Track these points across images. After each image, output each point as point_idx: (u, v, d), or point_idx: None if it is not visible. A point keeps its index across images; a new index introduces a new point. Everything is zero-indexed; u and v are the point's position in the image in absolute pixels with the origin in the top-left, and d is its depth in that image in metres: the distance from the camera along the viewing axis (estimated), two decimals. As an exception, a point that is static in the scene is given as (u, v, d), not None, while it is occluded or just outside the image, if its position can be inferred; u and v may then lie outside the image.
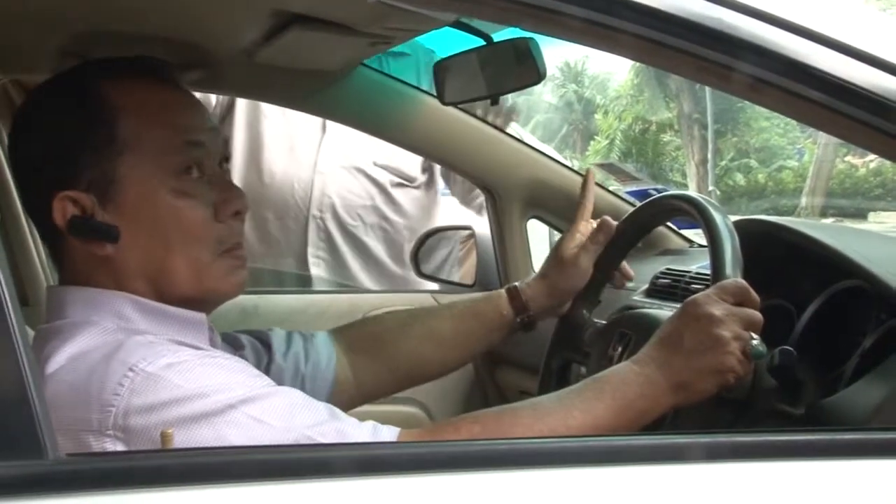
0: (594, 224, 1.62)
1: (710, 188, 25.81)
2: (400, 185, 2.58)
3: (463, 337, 1.63)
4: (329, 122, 2.54)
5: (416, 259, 2.44)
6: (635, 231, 1.63)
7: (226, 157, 1.35)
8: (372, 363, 1.56)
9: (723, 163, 28.10)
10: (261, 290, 2.41)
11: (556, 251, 1.65)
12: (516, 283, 1.65)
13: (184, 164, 1.25)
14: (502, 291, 1.65)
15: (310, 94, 2.12)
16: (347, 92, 2.08)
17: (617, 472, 1.01)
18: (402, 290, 2.49)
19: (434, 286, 2.51)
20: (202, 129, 1.29)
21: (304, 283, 2.58)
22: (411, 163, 2.57)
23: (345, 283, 2.55)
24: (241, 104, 2.56)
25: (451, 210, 2.72)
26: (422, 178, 2.61)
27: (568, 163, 2.31)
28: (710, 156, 26.91)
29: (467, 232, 2.42)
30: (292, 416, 1.13)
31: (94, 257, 1.22)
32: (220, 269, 1.28)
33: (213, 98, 2.51)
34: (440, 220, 2.64)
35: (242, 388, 1.13)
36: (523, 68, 1.73)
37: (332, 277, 2.55)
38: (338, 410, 1.20)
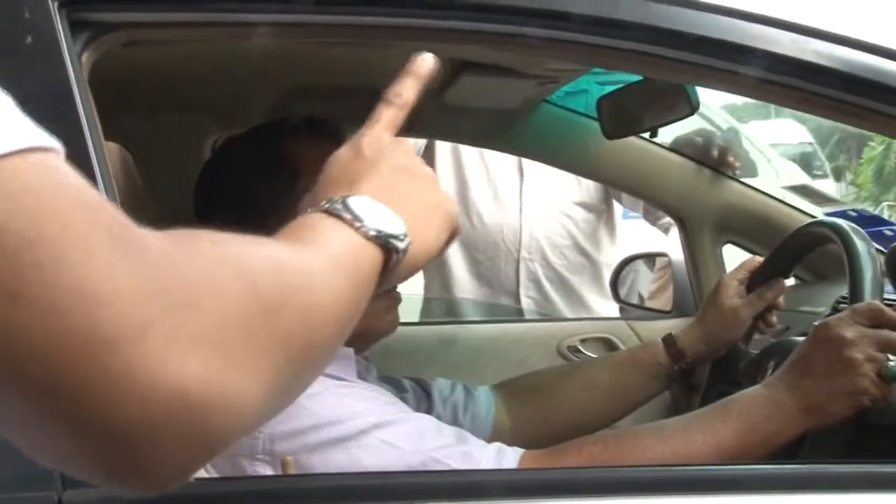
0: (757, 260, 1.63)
1: None
2: (593, 219, 2.66)
3: (622, 386, 1.63)
4: (526, 166, 2.64)
5: (616, 286, 2.49)
6: (784, 262, 1.62)
7: None
8: (529, 413, 1.58)
9: None
10: (457, 321, 2.51)
11: (714, 299, 1.64)
12: (672, 332, 1.65)
13: None
14: (658, 340, 1.65)
15: (498, 133, 2.20)
16: (534, 129, 2.15)
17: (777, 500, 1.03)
18: (595, 317, 2.52)
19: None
20: None
21: (515, 315, 2.68)
22: (598, 195, 2.63)
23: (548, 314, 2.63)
24: (442, 153, 2.70)
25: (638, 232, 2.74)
26: (603, 207, 2.68)
27: (761, 187, 2.27)
28: None
29: (665, 260, 2.43)
30: (421, 439, 1.19)
31: None
32: (378, 309, 1.35)
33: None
34: (626, 243, 2.69)
35: (375, 414, 1.20)
36: (677, 101, 1.77)
37: (540, 310, 2.64)
38: (467, 434, 1.24)
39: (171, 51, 1.60)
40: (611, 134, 1.96)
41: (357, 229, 0.69)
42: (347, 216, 0.69)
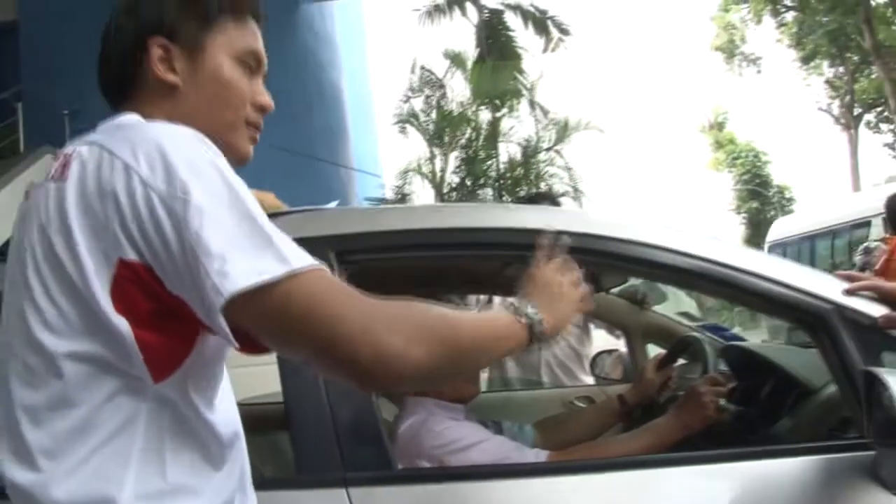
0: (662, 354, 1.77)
1: None
2: (579, 332, 2.82)
3: (596, 422, 1.70)
4: None
5: (592, 367, 2.60)
6: (675, 355, 1.76)
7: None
8: (551, 438, 1.58)
9: None
10: (511, 389, 2.57)
11: (641, 375, 1.76)
12: (621, 392, 1.73)
13: None
14: (615, 396, 1.72)
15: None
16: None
17: (667, 472, 1.15)
18: (582, 385, 2.58)
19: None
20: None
21: (539, 385, 2.73)
22: (581, 318, 2.78)
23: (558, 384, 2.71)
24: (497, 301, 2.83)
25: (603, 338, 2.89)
26: (584, 326, 2.79)
27: (667, 314, 2.43)
28: None
29: (617, 353, 2.51)
30: (500, 447, 1.33)
31: None
32: (467, 383, 1.40)
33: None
34: (597, 344, 2.78)
35: (476, 437, 1.35)
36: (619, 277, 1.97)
37: (552, 382, 2.71)
38: (521, 445, 1.36)
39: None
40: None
41: (515, 316, 0.79)
42: (515, 312, 0.80)
